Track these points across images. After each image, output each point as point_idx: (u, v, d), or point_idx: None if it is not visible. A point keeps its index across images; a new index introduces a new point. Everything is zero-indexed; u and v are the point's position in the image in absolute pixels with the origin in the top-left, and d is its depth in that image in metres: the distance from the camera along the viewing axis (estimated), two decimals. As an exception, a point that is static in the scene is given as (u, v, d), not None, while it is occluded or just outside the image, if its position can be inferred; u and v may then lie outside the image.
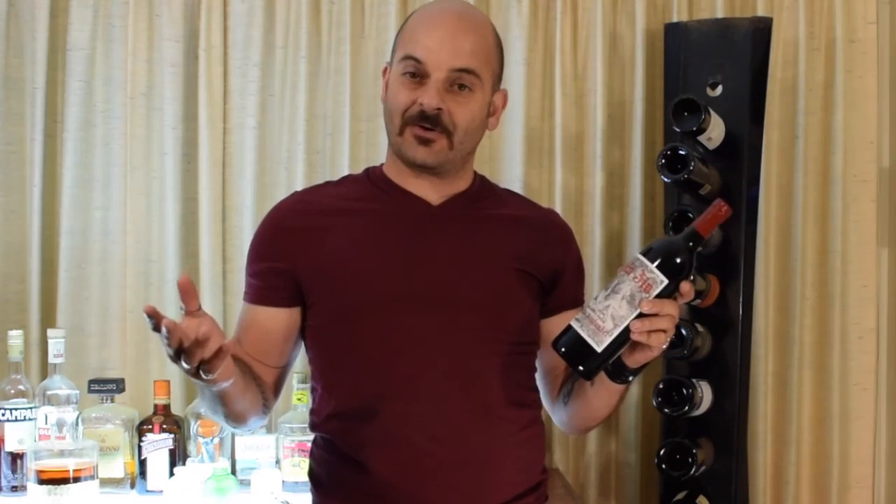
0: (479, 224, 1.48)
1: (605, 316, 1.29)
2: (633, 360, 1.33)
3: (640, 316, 1.28)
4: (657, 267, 1.28)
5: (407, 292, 1.41)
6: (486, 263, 1.45)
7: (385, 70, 1.49)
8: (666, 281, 1.28)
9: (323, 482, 1.48)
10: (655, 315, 1.27)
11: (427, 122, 1.40)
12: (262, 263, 1.48)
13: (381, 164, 1.54)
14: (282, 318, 1.48)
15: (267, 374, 1.49)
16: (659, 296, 1.28)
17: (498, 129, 1.53)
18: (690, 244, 1.31)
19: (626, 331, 1.28)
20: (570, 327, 1.32)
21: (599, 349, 1.29)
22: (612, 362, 1.33)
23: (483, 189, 1.54)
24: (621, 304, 1.28)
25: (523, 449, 1.47)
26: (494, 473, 1.42)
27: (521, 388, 1.49)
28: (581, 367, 1.31)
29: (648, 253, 1.30)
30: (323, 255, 1.43)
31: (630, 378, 1.37)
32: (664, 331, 1.28)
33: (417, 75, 1.40)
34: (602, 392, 1.41)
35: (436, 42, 1.39)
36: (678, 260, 1.29)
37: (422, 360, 1.40)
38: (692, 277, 1.30)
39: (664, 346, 1.30)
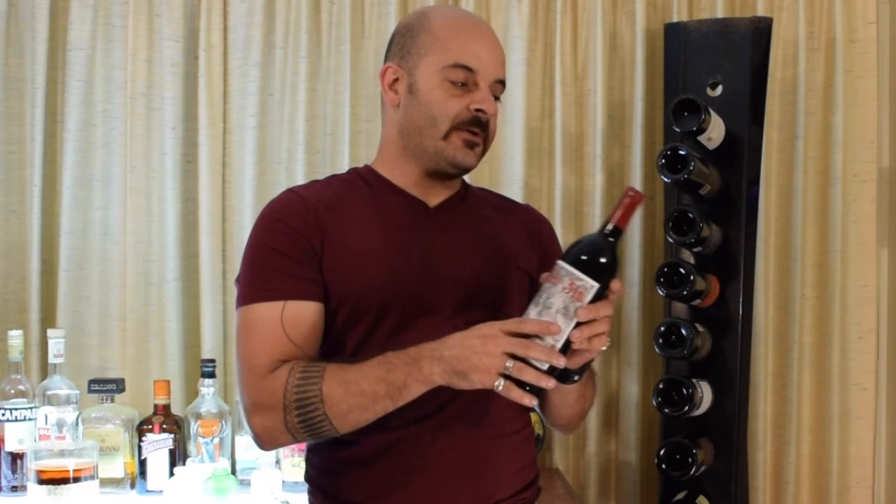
0: (475, 224, 1.49)
1: None
2: (573, 364, 1.32)
3: (578, 325, 1.24)
4: (584, 272, 1.24)
5: (419, 294, 1.40)
6: (490, 263, 1.46)
7: (388, 71, 1.45)
8: (597, 285, 1.24)
9: (323, 486, 1.47)
10: (592, 321, 1.25)
11: (477, 127, 1.42)
12: (301, 257, 1.38)
13: (366, 165, 1.52)
14: (324, 313, 1.41)
15: None
16: (591, 301, 1.25)
17: (498, 128, 1.53)
18: (611, 240, 1.27)
19: (567, 342, 1.25)
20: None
21: (545, 368, 1.25)
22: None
23: (465, 188, 1.55)
24: (556, 318, 1.24)
25: (522, 446, 1.48)
26: (498, 472, 1.43)
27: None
28: (528, 388, 1.26)
29: (571, 258, 1.26)
30: (342, 257, 1.40)
31: (575, 378, 1.36)
32: (603, 333, 1.28)
33: (465, 84, 1.41)
34: (556, 394, 1.43)
35: (484, 51, 1.43)
36: (603, 260, 1.26)
37: None
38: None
39: (604, 347, 1.30)
